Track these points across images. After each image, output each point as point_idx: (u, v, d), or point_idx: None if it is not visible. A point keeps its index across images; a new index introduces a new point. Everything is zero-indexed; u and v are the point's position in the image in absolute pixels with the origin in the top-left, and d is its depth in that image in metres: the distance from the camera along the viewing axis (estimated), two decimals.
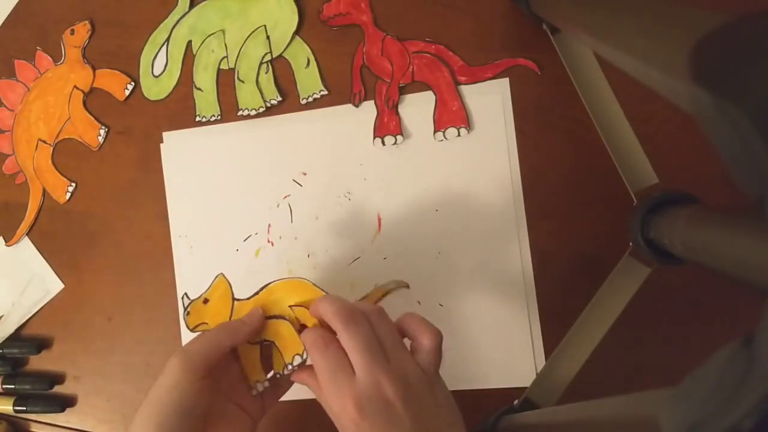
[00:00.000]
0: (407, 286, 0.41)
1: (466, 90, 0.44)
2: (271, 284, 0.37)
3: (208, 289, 0.38)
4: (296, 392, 0.45)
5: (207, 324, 0.37)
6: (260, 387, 0.36)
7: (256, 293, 0.37)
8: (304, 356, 0.35)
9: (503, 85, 0.43)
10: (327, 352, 0.31)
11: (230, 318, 0.37)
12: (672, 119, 0.41)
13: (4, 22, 0.55)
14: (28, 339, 0.51)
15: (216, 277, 0.38)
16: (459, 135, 0.43)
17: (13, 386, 0.50)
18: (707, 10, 0.19)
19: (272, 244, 0.46)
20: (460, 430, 0.30)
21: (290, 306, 0.36)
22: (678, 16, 0.21)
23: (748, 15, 0.17)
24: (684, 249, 0.29)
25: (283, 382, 0.37)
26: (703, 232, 0.27)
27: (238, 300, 0.38)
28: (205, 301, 0.37)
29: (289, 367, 0.35)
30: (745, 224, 0.23)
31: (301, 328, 0.36)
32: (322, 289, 0.36)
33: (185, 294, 0.38)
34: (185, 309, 0.37)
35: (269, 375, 0.37)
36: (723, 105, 0.16)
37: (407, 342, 0.33)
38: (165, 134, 0.49)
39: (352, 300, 0.34)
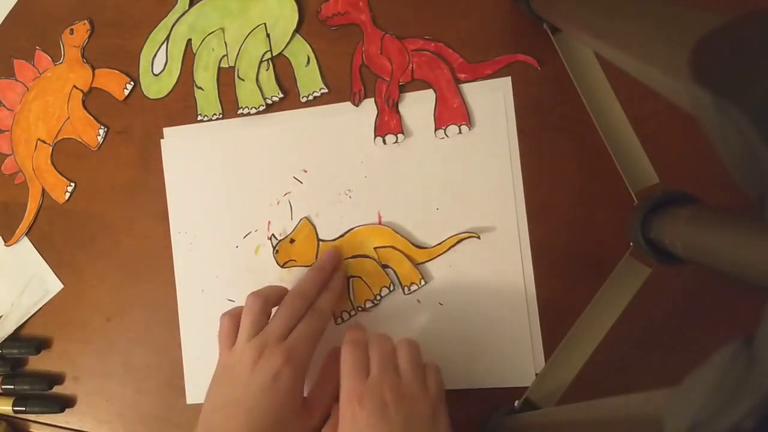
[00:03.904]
0: (478, 237, 0.42)
1: (467, 88, 0.44)
2: (355, 229, 0.43)
3: (293, 230, 0.44)
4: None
5: (295, 261, 0.44)
6: (346, 316, 0.43)
7: (341, 235, 0.44)
8: (391, 288, 0.42)
9: (505, 83, 0.43)
10: (355, 351, 0.37)
11: (317, 255, 0.43)
12: (672, 119, 0.40)
13: (3, 22, 0.55)
14: (28, 339, 0.51)
15: (300, 220, 0.44)
16: (460, 132, 0.43)
17: (12, 386, 0.50)
18: (707, 10, 0.19)
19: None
20: None
21: (375, 248, 0.42)
22: (678, 16, 0.21)
23: (748, 15, 0.17)
24: (684, 249, 0.29)
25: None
26: (703, 232, 0.27)
27: (323, 241, 0.44)
28: (292, 241, 0.44)
29: (378, 297, 0.42)
30: (745, 224, 0.23)
31: (383, 266, 0.42)
32: (402, 236, 0.42)
33: (273, 234, 0.44)
34: (274, 248, 0.44)
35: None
36: (723, 105, 0.16)
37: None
38: (165, 130, 0.49)
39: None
